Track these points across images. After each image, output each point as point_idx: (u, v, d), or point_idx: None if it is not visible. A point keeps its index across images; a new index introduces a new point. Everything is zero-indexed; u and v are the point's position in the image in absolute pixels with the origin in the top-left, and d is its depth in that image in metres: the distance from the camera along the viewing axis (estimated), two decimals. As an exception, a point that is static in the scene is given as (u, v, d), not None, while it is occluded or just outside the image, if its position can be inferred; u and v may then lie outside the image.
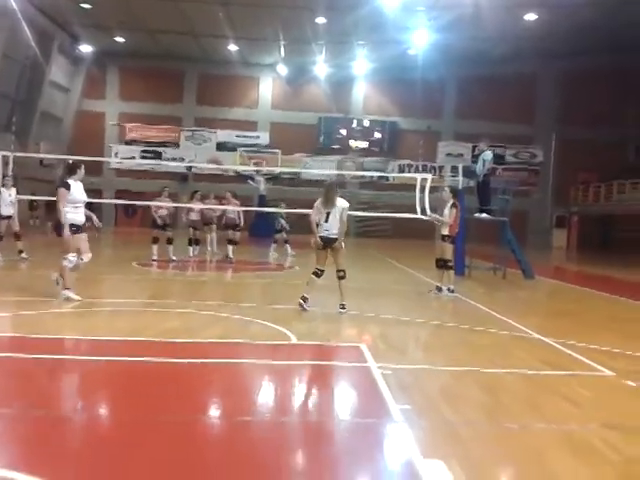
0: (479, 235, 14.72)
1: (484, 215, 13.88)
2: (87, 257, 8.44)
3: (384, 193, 31.88)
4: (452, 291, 10.43)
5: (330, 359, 5.95)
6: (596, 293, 12.42)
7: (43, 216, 29.52)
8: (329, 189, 8.49)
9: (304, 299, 8.17)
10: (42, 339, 6.08)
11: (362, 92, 36.41)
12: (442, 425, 4.01)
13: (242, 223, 15.96)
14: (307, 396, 4.76)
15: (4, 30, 24.26)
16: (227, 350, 6.02)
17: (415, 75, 30.45)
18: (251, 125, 36.01)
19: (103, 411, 4.30)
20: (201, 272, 14.23)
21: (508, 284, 13.21)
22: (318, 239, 8.33)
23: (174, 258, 14.60)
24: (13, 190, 13.67)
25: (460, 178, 14.86)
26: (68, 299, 8.13)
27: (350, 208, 8.65)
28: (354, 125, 35.99)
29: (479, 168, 13.95)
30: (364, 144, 35.85)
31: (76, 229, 8.30)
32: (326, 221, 8.29)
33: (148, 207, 15.37)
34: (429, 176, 13.14)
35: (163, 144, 35.38)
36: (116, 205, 31.80)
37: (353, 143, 35.85)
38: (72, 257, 8.25)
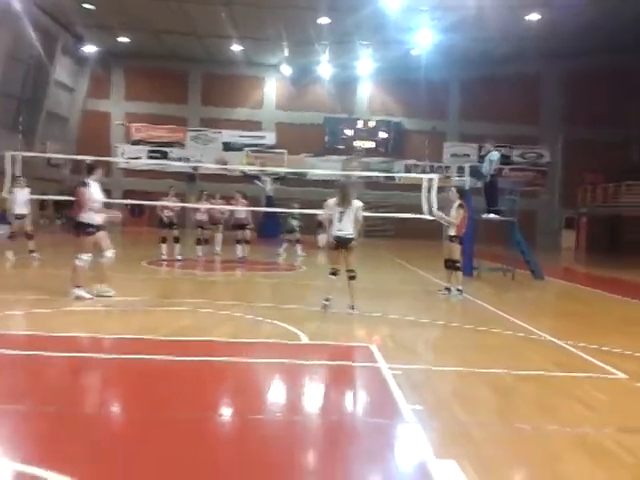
0: (487, 236, 14.68)
1: (492, 216, 13.84)
2: (111, 253, 8.53)
3: (390, 193, 31.85)
4: (461, 292, 10.40)
5: (341, 359, 5.95)
6: (607, 295, 12.35)
7: (52, 215, 29.66)
8: (345, 188, 8.40)
9: (327, 300, 8.15)
10: (54, 337, 6.12)
11: (367, 92, 36.42)
12: (454, 426, 4.00)
13: (251, 223, 16.15)
14: (318, 395, 4.76)
15: (9, 31, 24.36)
16: (238, 349, 6.03)
17: (419, 75, 30.43)
18: (256, 125, 36.07)
19: (115, 408, 4.33)
20: (210, 271, 14.27)
21: (517, 285, 13.17)
22: (331, 239, 8.29)
23: (179, 257, 14.65)
24: (27, 190, 13.77)
25: (467, 178, 14.81)
26: (79, 298, 8.17)
27: (357, 208, 8.62)
28: (359, 125, 35.99)
29: (485, 168, 13.91)
30: (369, 144, 35.84)
31: (94, 229, 8.36)
32: (340, 221, 8.17)
33: (155, 207, 15.46)
34: (435, 176, 13.13)
35: (169, 144, 35.48)
36: (125, 205, 31.94)
37: (358, 143, 35.84)
38: (86, 257, 8.31)
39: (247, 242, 15.90)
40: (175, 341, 6.16)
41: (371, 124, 35.88)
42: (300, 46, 30.85)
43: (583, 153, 32.19)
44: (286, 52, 31.78)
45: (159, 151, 35.12)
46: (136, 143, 35.37)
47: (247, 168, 33.10)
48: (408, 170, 34.32)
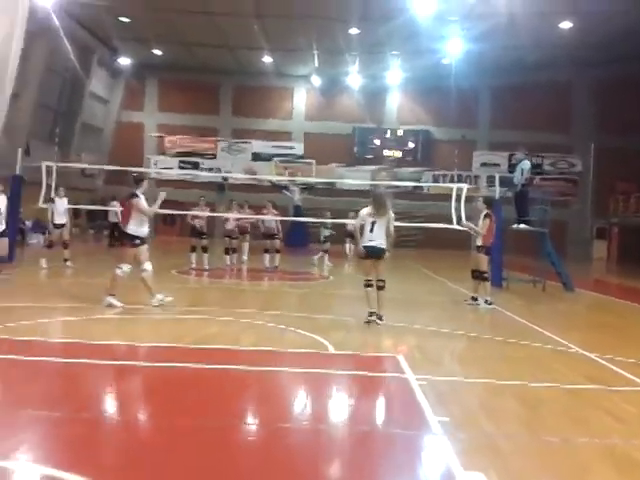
0: (517, 246, 14.52)
1: (522, 226, 13.68)
2: (148, 266, 8.65)
3: (419, 203, 31.73)
4: (490, 303, 10.31)
5: (368, 369, 5.96)
6: (638, 307, 12.13)
7: (85, 225, 30.27)
8: (381, 197, 8.25)
9: (371, 314, 8.03)
10: (86, 344, 6.26)
11: (396, 102, 36.39)
12: (481, 437, 3.99)
13: (280, 233, 16.36)
14: (345, 405, 4.77)
15: (47, 44, 25.01)
16: (265, 358, 6.09)
17: (449, 84, 30.27)
18: (285, 136, 36.31)
19: (143, 416, 4.41)
20: (239, 280, 14.41)
21: (548, 297, 12.98)
22: (361, 248, 8.26)
23: (207, 267, 14.81)
24: (65, 199, 14.11)
25: (497, 188, 14.69)
26: (111, 305, 8.34)
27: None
28: (388, 135, 35.97)
29: (517, 177, 13.76)
30: (398, 154, 35.79)
31: (140, 241, 8.52)
32: (371, 231, 8.06)
33: (186, 216, 15.72)
34: (465, 186, 13.05)
35: (200, 155, 35.98)
36: (156, 215, 32.34)
37: (387, 153, 35.82)
38: (127, 268, 8.47)
39: (277, 251, 16.08)
40: (203, 349, 6.26)
41: (399, 133, 35.84)
42: (330, 56, 31.02)
43: (615, 161, 31.59)
44: (316, 63, 31.99)
45: (190, 162, 35.65)
46: (168, 154, 35.94)
47: (275, 178, 33.36)
48: (436, 180, 34.16)
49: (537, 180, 29.19)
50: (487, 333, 8.13)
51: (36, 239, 23.35)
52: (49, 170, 13.76)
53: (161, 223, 32.99)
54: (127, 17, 26.75)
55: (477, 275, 10.58)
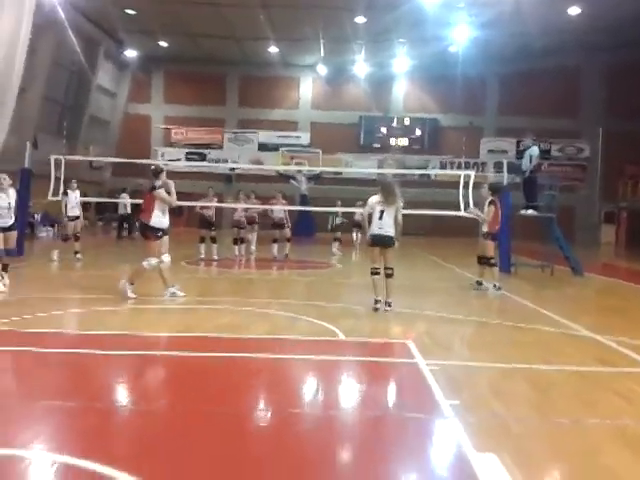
0: (525, 232, 14.50)
1: (530, 212, 13.69)
2: (167, 258, 8.75)
3: (426, 190, 31.66)
4: (499, 288, 10.34)
5: (378, 355, 6.00)
6: (647, 290, 12.12)
7: (93, 217, 30.41)
8: (390, 186, 8.22)
9: (376, 302, 8.08)
10: (100, 335, 6.34)
11: (402, 90, 36.22)
12: (493, 420, 4.02)
13: (289, 222, 16.50)
14: (357, 391, 4.82)
15: (53, 38, 25.03)
16: (276, 346, 6.15)
17: (456, 72, 30.09)
18: (292, 125, 36.26)
19: (159, 403, 4.45)
20: (248, 270, 14.49)
21: (556, 281, 12.97)
22: (368, 237, 8.27)
23: (216, 257, 14.90)
24: (77, 192, 14.19)
25: (505, 174, 14.65)
26: (124, 292, 8.42)
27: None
28: (394, 123, 35.83)
29: (525, 164, 13.74)
30: (405, 142, 35.67)
31: (161, 233, 8.60)
32: (380, 219, 8.06)
33: (194, 207, 15.79)
34: (472, 173, 13.02)
35: (207, 146, 36.00)
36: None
37: (394, 141, 35.71)
38: (155, 261, 8.54)
39: (288, 240, 16.16)
40: (215, 338, 6.32)
41: (406, 121, 35.69)
42: (336, 45, 30.87)
43: (624, 145, 31.34)
44: (322, 52, 31.85)
45: (197, 153, 35.68)
46: (175, 145, 35.98)
47: (282, 168, 33.36)
48: (443, 167, 34.06)
49: (545, 165, 29.03)
50: (496, 318, 8.16)
51: (45, 232, 23.51)
52: (57, 163, 13.84)
53: (170, 215, 33.01)
54: (133, 9, 26.71)
55: (484, 261, 10.65)
